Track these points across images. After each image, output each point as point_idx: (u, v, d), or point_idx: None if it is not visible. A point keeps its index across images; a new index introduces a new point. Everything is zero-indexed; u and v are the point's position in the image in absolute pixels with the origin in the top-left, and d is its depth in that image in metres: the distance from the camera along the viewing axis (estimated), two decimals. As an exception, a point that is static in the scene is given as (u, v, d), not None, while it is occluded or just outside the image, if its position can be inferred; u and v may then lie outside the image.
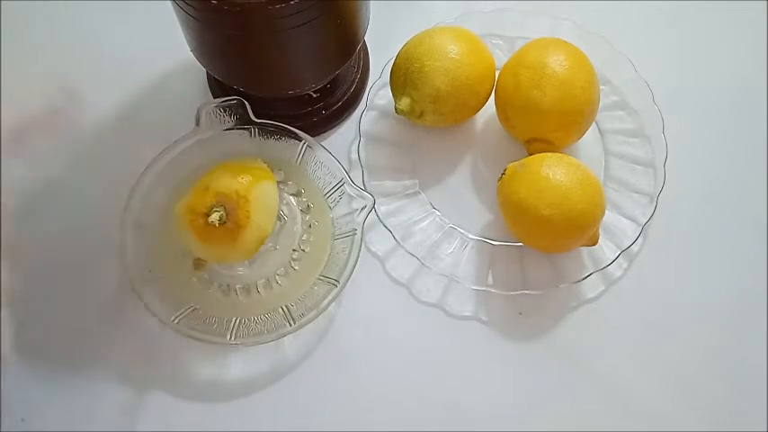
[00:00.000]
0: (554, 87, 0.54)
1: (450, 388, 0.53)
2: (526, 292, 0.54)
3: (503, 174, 0.54)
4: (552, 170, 0.52)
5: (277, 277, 0.55)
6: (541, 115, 0.54)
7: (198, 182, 0.52)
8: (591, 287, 0.56)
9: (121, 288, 0.54)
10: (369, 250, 0.57)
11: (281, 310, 0.52)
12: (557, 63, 0.54)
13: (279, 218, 0.55)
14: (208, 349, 0.54)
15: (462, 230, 0.57)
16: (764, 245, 0.57)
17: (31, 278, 0.57)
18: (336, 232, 0.55)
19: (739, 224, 0.58)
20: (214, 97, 0.62)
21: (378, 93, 0.61)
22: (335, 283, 0.52)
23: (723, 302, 0.55)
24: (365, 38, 0.59)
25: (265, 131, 0.55)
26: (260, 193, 0.51)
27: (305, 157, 0.56)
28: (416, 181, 0.59)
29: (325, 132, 0.61)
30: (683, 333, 0.55)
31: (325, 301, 0.51)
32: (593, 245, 0.54)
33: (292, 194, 0.57)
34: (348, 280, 0.52)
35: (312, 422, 0.53)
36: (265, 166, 0.53)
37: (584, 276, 0.54)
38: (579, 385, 0.53)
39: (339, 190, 0.54)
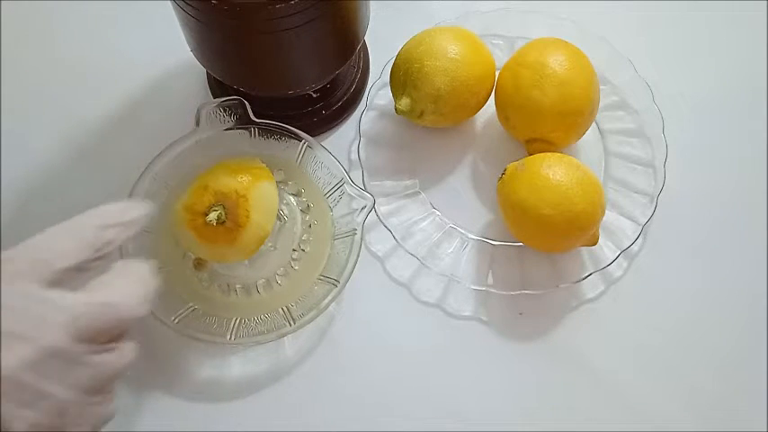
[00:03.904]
0: (554, 87, 0.54)
1: (450, 388, 0.53)
2: (526, 292, 0.54)
3: (503, 174, 0.54)
4: (552, 170, 0.52)
5: (277, 277, 0.55)
6: (541, 115, 0.54)
7: (197, 181, 0.52)
8: (591, 287, 0.56)
9: (121, 288, 0.54)
10: (369, 250, 0.57)
11: (281, 310, 0.52)
12: (557, 63, 0.54)
13: (279, 218, 0.55)
14: (208, 349, 0.54)
15: (462, 230, 0.57)
16: (765, 245, 0.57)
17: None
18: (336, 232, 0.54)
19: (739, 224, 0.58)
20: (214, 97, 0.62)
21: (378, 93, 0.61)
22: (335, 283, 0.52)
23: (723, 302, 0.55)
24: (365, 38, 0.59)
25: (265, 131, 0.55)
26: (259, 192, 0.51)
27: (305, 157, 0.56)
28: (416, 181, 0.59)
29: (325, 132, 0.61)
30: (683, 333, 0.55)
31: (325, 301, 0.51)
32: (593, 245, 0.54)
33: (292, 194, 0.57)
34: (348, 280, 0.52)
35: (312, 422, 0.53)
36: (264, 165, 0.53)
37: (584, 276, 0.54)
38: (579, 385, 0.53)
39: (339, 190, 0.54)
